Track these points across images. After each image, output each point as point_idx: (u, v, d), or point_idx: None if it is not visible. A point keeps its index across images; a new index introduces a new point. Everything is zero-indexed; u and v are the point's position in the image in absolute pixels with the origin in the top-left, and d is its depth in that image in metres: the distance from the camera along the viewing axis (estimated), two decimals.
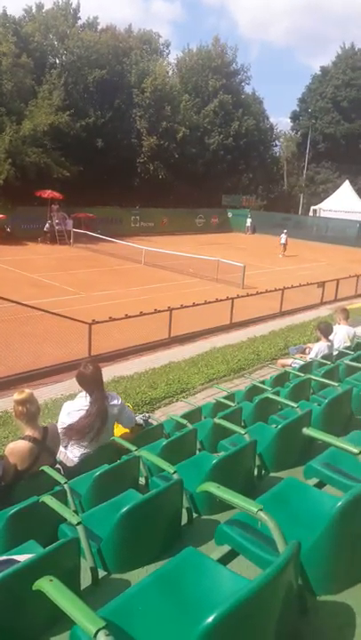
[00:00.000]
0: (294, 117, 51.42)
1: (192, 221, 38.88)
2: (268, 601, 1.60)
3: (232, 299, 13.38)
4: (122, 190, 35.14)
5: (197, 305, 12.87)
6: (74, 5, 37.62)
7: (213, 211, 41.15)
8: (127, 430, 4.60)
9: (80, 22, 38.17)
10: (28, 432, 3.77)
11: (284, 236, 28.68)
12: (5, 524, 2.78)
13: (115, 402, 4.29)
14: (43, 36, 34.87)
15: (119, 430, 4.57)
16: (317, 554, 2.01)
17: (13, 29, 33.05)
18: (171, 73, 42.65)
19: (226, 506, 2.38)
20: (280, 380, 6.66)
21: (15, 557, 2.31)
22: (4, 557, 2.38)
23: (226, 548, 2.31)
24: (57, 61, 35.57)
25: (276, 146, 52.23)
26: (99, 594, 2.28)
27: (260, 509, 2.01)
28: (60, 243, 27.74)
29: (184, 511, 2.81)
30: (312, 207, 43.00)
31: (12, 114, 29.29)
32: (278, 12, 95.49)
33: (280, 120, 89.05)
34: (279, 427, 3.70)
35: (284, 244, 28.39)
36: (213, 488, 2.24)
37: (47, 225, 28.14)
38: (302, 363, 7.16)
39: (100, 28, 38.94)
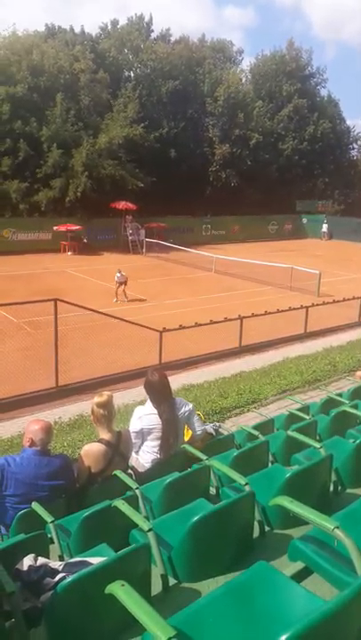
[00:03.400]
0: None
1: (264, 228, 38.48)
2: (345, 623, 1.53)
3: (306, 307, 13.06)
4: (194, 199, 35.48)
5: (269, 313, 12.70)
6: (147, 19, 38.65)
7: (287, 217, 40.48)
8: (189, 435, 4.58)
9: (153, 35, 39.12)
10: (103, 435, 3.86)
11: None
12: (80, 526, 2.86)
13: (184, 408, 4.30)
14: (118, 51, 36.10)
15: (187, 435, 4.57)
16: None
17: (91, 46, 34.56)
18: (244, 80, 42.60)
19: (300, 521, 2.31)
20: (358, 392, 6.40)
21: (88, 559, 2.37)
22: (78, 559, 2.44)
23: (300, 565, 2.24)
24: (132, 75, 36.67)
25: (354, 149, 50.55)
26: (169, 602, 2.28)
27: (337, 527, 1.93)
28: (134, 252, 28.42)
29: (256, 524, 2.75)
30: None
31: (88, 128, 30.49)
32: (355, 8, 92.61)
33: (359, 122, 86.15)
34: (358, 441, 3.55)
35: None
36: (287, 502, 2.18)
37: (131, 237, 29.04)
38: None
39: (173, 39, 39.66)
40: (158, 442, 4.18)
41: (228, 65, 40.74)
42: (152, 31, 39.09)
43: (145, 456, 4.22)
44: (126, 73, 36.77)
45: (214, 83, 37.43)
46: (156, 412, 4.17)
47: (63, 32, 35.97)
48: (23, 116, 28.62)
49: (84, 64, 31.67)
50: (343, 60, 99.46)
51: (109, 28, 38.28)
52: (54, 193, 28.90)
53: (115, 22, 38.36)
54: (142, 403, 4.51)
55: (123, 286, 16.77)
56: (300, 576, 2.18)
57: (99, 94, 32.02)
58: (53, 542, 2.91)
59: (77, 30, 36.19)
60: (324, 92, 45.66)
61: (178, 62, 36.42)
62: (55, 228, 27.64)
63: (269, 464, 4.08)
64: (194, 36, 42.08)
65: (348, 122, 49.99)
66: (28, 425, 3.78)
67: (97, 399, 3.91)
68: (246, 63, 50.29)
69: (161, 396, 4.22)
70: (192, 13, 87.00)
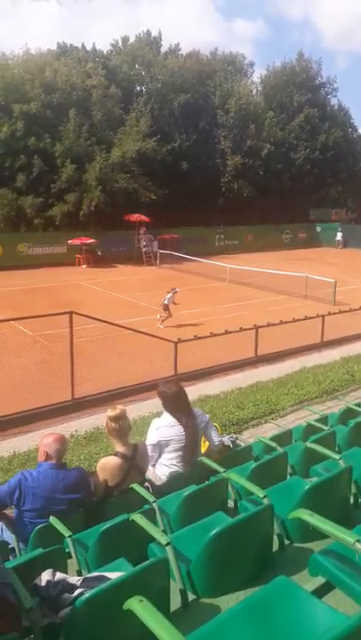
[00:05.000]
0: None
1: (278, 237, 38.40)
2: None
3: (323, 316, 12.95)
4: (206, 210, 35.60)
5: (285, 323, 12.62)
6: (154, 34, 39.14)
7: (301, 226, 40.39)
8: (206, 446, 4.55)
9: (163, 49, 39.56)
10: (119, 448, 3.86)
11: None
12: (97, 541, 2.84)
13: (201, 419, 4.30)
14: (129, 67, 36.61)
15: (203, 446, 4.55)
16: None
17: (102, 63, 35.10)
18: (255, 92, 42.83)
19: (320, 534, 2.27)
20: None
21: (106, 574, 2.35)
22: (96, 574, 2.42)
23: (320, 580, 2.19)
24: (143, 89, 37.06)
25: None
26: (188, 617, 2.25)
27: (358, 540, 1.90)
28: (147, 264, 28.56)
29: (275, 537, 2.72)
30: None
31: (101, 143, 30.83)
32: None
33: None
34: None
35: None
36: (307, 515, 2.15)
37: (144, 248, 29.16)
38: None
39: (184, 53, 40.06)
40: (176, 454, 4.17)
41: (238, 77, 41.00)
42: (161, 45, 39.57)
43: (162, 469, 4.20)
44: (138, 88, 37.22)
45: (225, 95, 37.69)
46: (173, 423, 4.16)
47: (75, 50, 36.57)
48: (37, 133, 29.06)
49: (96, 80, 32.14)
50: (355, 69, 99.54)
51: (120, 44, 38.87)
52: (68, 207, 29.21)
53: (125, 39, 38.95)
54: (158, 415, 4.50)
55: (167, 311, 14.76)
56: (321, 591, 2.13)
57: (111, 109, 32.43)
58: (71, 557, 2.90)
59: (89, 48, 36.83)
60: (334, 102, 45.77)
61: (189, 76, 36.77)
62: (70, 241, 27.90)
63: (288, 476, 4.03)
64: (204, 50, 42.40)
65: None
66: (41, 440, 3.80)
67: (110, 413, 3.91)
68: (257, 75, 50.49)
69: (183, 407, 4.22)
70: (202, 28, 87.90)
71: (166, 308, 14.79)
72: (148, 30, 39.07)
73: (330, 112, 44.10)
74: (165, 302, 14.84)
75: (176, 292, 15.12)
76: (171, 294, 14.99)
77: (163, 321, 14.57)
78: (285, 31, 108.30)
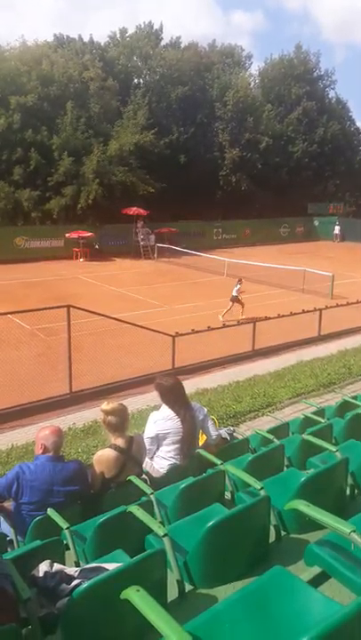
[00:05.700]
0: None
1: (276, 231, 38.35)
2: None
3: (320, 310, 12.98)
4: (204, 204, 35.50)
5: (282, 317, 12.64)
6: (156, 26, 38.85)
7: (298, 219, 40.31)
8: (203, 440, 4.57)
9: (163, 42, 39.29)
10: (114, 441, 3.88)
11: None
12: (95, 532, 2.86)
13: (199, 413, 4.32)
14: (127, 59, 36.34)
15: (201, 439, 4.56)
16: None
17: (100, 55, 34.85)
18: (253, 84, 42.61)
19: (316, 525, 2.29)
20: None
21: (104, 565, 2.36)
22: (94, 564, 2.44)
23: (316, 570, 2.21)
24: (141, 82, 36.85)
25: None
26: (185, 607, 2.26)
27: (353, 531, 1.91)
28: (145, 257, 28.52)
29: (272, 528, 2.73)
30: None
31: (99, 135, 30.69)
32: None
33: None
34: None
35: None
36: (303, 506, 2.17)
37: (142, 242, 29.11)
38: None
39: (182, 46, 39.75)
40: (174, 447, 4.18)
41: (236, 70, 40.75)
42: (162, 39, 39.28)
43: (160, 462, 4.22)
44: (135, 80, 37.00)
45: (223, 87, 37.50)
46: (170, 416, 4.18)
47: (72, 41, 36.30)
48: (34, 125, 28.91)
49: (94, 72, 31.93)
50: (354, 61, 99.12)
51: (118, 36, 38.56)
52: (66, 200, 29.12)
53: (123, 31, 38.64)
54: (156, 408, 4.51)
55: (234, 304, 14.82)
56: (316, 581, 2.15)
57: (108, 102, 32.25)
58: (69, 548, 2.91)
59: (86, 39, 36.56)
60: (332, 94, 45.53)
61: (187, 68, 36.54)
62: (67, 235, 27.83)
63: (285, 468, 4.04)
64: (202, 42, 42.12)
65: (359, 123, 49.66)
66: (37, 432, 3.80)
67: (104, 407, 3.93)
68: (255, 67, 50.21)
69: (180, 400, 4.23)
70: (200, 19, 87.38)
71: (236, 299, 14.97)
72: (150, 22, 38.78)
73: (328, 105, 43.92)
74: (235, 294, 15.02)
75: (241, 282, 15.37)
76: (239, 285, 15.19)
77: (242, 311, 14.78)
78: (284, 23, 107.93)
